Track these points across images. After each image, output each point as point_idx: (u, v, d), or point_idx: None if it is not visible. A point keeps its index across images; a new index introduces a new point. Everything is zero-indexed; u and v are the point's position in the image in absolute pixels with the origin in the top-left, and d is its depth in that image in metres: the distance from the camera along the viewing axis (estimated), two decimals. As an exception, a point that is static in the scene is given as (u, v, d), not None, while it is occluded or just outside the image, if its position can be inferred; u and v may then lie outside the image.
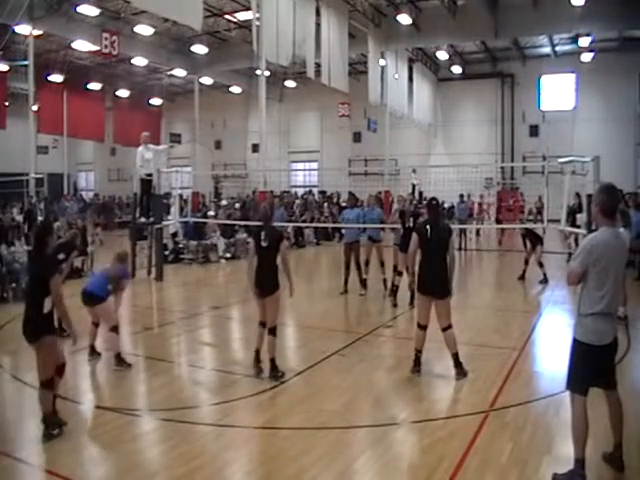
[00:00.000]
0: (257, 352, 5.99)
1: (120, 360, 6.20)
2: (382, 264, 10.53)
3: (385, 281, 10.43)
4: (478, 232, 21.55)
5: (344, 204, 19.26)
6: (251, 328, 6.39)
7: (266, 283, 5.84)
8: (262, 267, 5.87)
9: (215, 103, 32.59)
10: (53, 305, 4.43)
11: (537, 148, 26.80)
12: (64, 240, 8.39)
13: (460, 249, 16.67)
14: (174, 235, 15.78)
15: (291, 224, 18.47)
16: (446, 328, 5.79)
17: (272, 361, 5.83)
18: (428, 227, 5.90)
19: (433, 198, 6.13)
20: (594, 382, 3.82)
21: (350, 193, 11.49)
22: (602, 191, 3.85)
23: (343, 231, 11.66)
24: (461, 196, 18.62)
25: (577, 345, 3.82)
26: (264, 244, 5.85)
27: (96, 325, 6.52)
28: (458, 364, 5.80)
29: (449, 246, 5.87)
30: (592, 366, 3.77)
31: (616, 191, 3.87)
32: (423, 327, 5.87)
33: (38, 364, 4.45)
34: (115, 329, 6.27)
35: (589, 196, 8.46)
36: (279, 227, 12.76)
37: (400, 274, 9.55)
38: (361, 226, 10.52)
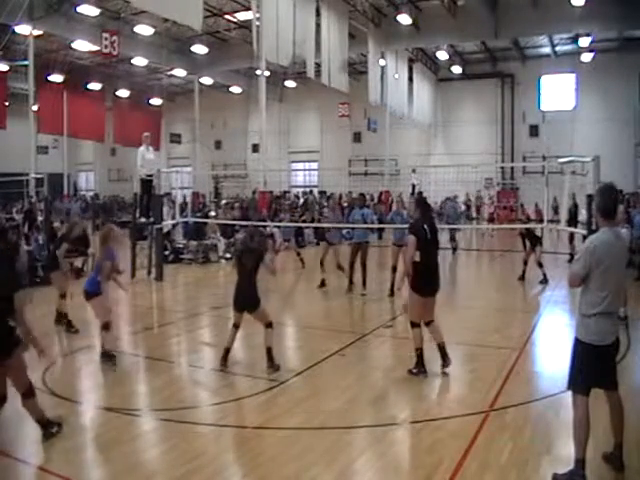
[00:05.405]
0: (227, 350, 6.02)
1: (106, 356, 6.14)
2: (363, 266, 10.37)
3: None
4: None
5: (345, 204, 19.22)
6: (251, 328, 6.39)
7: (248, 298, 5.92)
8: (241, 283, 6.01)
9: (215, 103, 32.62)
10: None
11: (537, 148, 26.86)
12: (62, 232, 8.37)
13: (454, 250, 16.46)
14: (167, 234, 15.70)
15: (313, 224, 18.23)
16: (433, 320, 5.86)
17: (269, 351, 5.87)
18: (426, 227, 5.81)
19: (420, 193, 6.10)
20: (596, 382, 3.82)
21: (360, 194, 11.47)
22: (599, 192, 3.86)
23: (344, 232, 11.59)
24: (454, 197, 18.51)
25: (579, 345, 3.81)
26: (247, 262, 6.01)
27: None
28: (444, 354, 5.83)
29: (439, 243, 5.95)
30: (594, 366, 3.76)
31: (614, 192, 3.85)
32: (418, 325, 5.90)
33: (15, 379, 4.18)
34: (106, 326, 6.18)
35: (589, 196, 8.46)
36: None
37: None
38: (369, 226, 10.49)
